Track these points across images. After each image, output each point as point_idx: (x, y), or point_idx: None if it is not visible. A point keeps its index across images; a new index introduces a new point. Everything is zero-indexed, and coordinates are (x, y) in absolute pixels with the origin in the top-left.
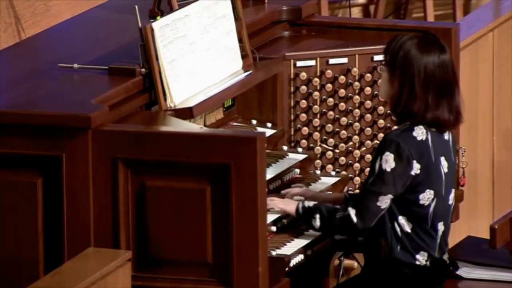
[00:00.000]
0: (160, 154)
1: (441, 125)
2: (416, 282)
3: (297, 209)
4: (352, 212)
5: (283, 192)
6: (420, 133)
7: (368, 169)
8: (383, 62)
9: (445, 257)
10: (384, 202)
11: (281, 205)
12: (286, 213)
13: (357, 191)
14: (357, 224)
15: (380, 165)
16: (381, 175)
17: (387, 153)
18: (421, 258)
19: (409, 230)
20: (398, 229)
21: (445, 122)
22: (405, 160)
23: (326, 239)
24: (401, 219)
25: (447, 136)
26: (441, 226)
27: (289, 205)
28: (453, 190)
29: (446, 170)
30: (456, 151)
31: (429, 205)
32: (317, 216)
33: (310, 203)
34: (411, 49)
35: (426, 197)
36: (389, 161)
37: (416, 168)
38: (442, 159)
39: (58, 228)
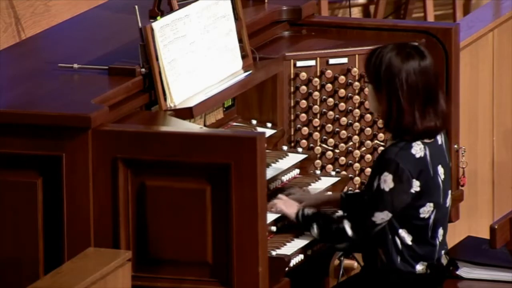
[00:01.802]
0: (160, 154)
1: (431, 133)
2: (415, 284)
3: (296, 215)
4: (347, 225)
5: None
6: (418, 149)
7: (368, 169)
8: (367, 80)
9: (443, 259)
10: (380, 218)
11: (282, 206)
12: (285, 215)
13: (357, 190)
14: (352, 237)
15: (379, 185)
16: (378, 193)
17: (386, 173)
18: (420, 268)
19: (409, 242)
20: (398, 242)
21: (434, 129)
22: (405, 180)
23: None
24: (402, 232)
25: (440, 140)
26: (440, 231)
27: (290, 209)
28: (450, 192)
29: (443, 177)
30: (449, 150)
31: (429, 217)
32: (315, 225)
33: (310, 211)
34: (391, 62)
35: (427, 210)
36: (387, 181)
37: (416, 185)
38: (439, 167)
39: (58, 228)
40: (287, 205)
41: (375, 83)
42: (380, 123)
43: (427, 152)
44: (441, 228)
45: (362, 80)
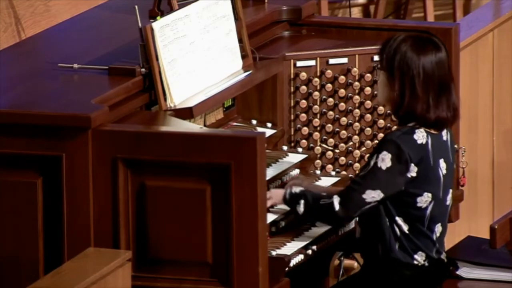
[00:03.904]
0: (160, 154)
1: (442, 124)
2: (415, 282)
3: (284, 195)
4: (336, 200)
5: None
6: (420, 136)
7: None
8: (379, 66)
9: (443, 256)
10: (371, 196)
11: (269, 201)
12: (275, 204)
13: None
14: (338, 212)
15: (376, 163)
16: (374, 171)
17: (385, 153)
18: (419, 258)
19: (406, 231)
20: (396, 229)
21: (445, 120)
22: (403, 162)
23: (326, 239)
24: (399, 220)
25: (445, 136)
26: (438, 228)
27: (276, 196)
28: (451, 191)
29: (444, 172)
30: (454, 150)
31: (427, 207)
32: (302, 201)
33: (297, 189)
34: (407, 52)
35: (424, 200)
36: (385, 160)
37: (413, 171)
38: (441, 161)
39: (58, 228)
40: (271, 196)
41: (388, 71)
42: (380, 123)
43: (429, 141)
44: (439, 224)
45: (362, 80)
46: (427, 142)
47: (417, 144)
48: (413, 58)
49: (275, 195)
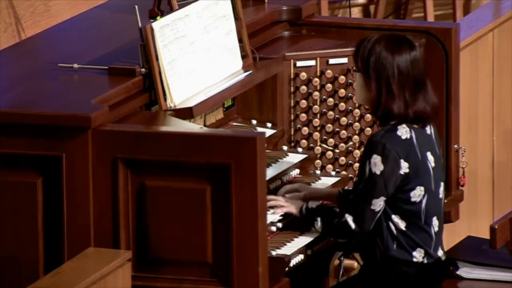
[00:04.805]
0: (160, 154)
1: (423, 118)
2: (413, 279)
3: (301, 210)
4: (349, 218)
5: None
6: (404, 131)
7: None
8: (355, 69)
9: (441, 253)
10: (378, 205)
11: (285, 205)
12: (289, 213)
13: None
14: (355, 230)
15: (370, 169)
16: (371, 178)
17: (375, 156)
18: (418, 255)
19: (403, 228)
20: (393, 227)
21: (426, 114)
22: (392, 160)
23: (326, 239)
24: (395, 218)
25: (429, 130)
26: (435, 221)
27: (294, 206)
28: (442, 184)
29: (433, 164)
30: (439, 143)
31: (421, 201)
32: (319, 219)
33: (314, 204)
34: (381, 52)
35: (417, 194)
36: (377, 164)
37: (404, 167)
38: (428, 154)
39: (58, 228)
40: (289, 203)
41: (364, 72)
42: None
43: (413, 135)
44: (435, 217)
45: None
46: (411, 136)
47: (401, 139)
48: (388, 58)
49: (292, 205)
